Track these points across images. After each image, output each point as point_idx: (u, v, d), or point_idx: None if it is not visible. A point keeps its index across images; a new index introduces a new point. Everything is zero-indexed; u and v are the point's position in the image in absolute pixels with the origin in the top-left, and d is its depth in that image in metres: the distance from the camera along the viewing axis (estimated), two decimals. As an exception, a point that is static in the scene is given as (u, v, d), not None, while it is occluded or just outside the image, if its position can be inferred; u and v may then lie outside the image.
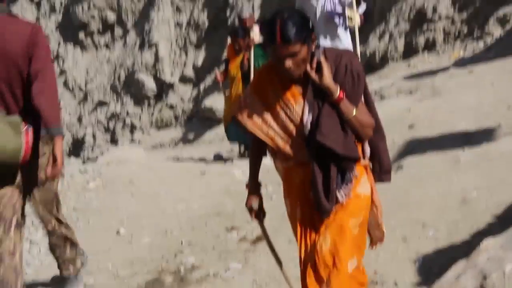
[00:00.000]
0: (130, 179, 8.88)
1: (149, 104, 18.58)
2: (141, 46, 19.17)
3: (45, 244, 7.10)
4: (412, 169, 7.06)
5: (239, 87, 10.80)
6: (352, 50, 9.97)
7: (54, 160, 4.71)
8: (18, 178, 4.91)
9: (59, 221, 5.70)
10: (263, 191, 8.84)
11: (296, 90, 3.78)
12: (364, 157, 3.91)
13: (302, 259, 3.89)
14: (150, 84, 18.57)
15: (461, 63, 11.19)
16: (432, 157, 7.20)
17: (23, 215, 4.98)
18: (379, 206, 4.08)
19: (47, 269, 6.66)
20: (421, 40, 13.57)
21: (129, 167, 9.54)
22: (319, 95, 3.72)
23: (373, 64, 13.79)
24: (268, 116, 3.83)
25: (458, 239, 5.55)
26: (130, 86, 19.02)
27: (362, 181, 3.87)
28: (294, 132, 3.78)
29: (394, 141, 8.02)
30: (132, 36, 19.69)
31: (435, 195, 6.42)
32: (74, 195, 8.58)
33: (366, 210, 3.92)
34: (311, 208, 3.83)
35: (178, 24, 18.73)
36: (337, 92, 3.66)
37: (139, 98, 18.71)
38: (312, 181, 3.74)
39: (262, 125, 3.86)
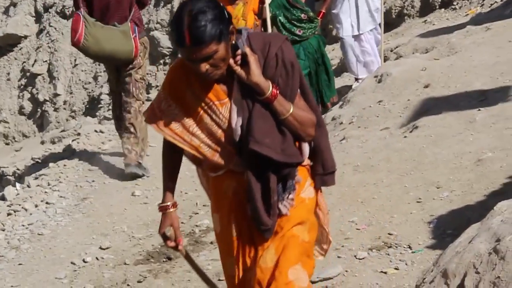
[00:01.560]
0: (145, 140, 8.88)
1: (164, 63, 18.52)
2: (156, 4, 19.04)
3: (61, 205, 7.18)
4: (427, 129, 7.02)
5: None
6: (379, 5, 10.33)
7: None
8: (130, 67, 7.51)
9: (139, 100, 7.70)
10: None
11: (220, 88, 3.22)
12: (304, 157, 3.38)
13: (240, 279, 3.39)
14: (165, 42, 18.48)
15: (478, 19, 11.05)
16: (447, 117, 7.15)
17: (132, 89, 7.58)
18: (324, 210, 3.62)
19: (63, 229, 6.73)
20: (438, -4, 13.40)
21: (144, 127, 9.54)
22: (248, 93, 3.16)
23: (389, 22, 13.63)
24: (189, 122, 3.27)
25: (473, 200, 5.53)
26: (145, 44, 18.95)
27: (306, 185, 3.41)
28: (223, 138, 3.25)
29: (409, 100, 7.97)
30: (147, -6, 19.58)
31: (450, 155, 6.38)
32: (89, 155, 8.61)
33: (312, 214, 3.47)
34: (250, 223, 3.33)
35: (193, -19, 18.61)
36: (269, 89, 3.13)
37: (154, 56, 18.62)
38: (249, 195, 3.24)
39: (183, 133, 3.28)
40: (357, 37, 10.36)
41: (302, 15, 9.43)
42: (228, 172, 3.32)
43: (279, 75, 3.16)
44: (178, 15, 3.04)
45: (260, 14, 9.67)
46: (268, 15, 9.28)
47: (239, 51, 3.12)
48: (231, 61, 3.12)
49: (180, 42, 3.02)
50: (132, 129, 7.54)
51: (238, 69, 3.13)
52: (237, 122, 3.18)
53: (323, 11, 9.82)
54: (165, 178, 3.52)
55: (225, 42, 3.05)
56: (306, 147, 3.36)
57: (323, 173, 3.44)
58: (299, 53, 9.46)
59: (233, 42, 3.11)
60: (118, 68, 7.66)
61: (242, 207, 3.32)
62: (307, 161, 3.41)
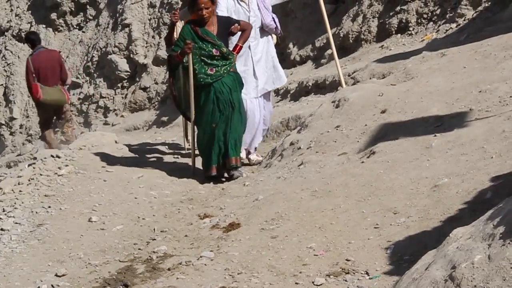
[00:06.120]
0: (103, 165, 8.83)
1: (122, 86, 18.46)
2: (114, 27, 19.00)
3: (16, 232, 7.07)
4: (384, 154, 7.08)
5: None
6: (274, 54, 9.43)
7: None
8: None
9: (69, 121, 12.72)
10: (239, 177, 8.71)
11: None
12: None
13: None
14: (123, 66, 18.44)
15: (433, 45, 11.19)
16: (404, 142, 7.21)
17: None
18: None
19: (18, 256, 6.62)
20: (394, 22, 13.55)
21: (101, 152, 9.49)
22: None
23: (346, 46, 13.79)
24: None
25: (429, 226, 5.58)
26: (103, 68, 18.89)
27: None
28: None
29: (367, 125, 8.03)
30: (104, 17, 19.52)
31: (407, 181, 6.43)
32: (45, 181, 8.51)
33: None
34: None
35: (151, 5, 18.58)
36: None
37: (112, 80, 18.58)
38: None
39: None
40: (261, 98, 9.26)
41: (214, 50, 8.28)
42: None
43: None
44: None
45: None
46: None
47: None
48: None
49: None
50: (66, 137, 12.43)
51: None
52: None
53: (240, 44, 8.49)
54: None
55: None
56: None
57: None
58: (208, 97, 8.33)
59: None
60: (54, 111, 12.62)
61: None
62: None
